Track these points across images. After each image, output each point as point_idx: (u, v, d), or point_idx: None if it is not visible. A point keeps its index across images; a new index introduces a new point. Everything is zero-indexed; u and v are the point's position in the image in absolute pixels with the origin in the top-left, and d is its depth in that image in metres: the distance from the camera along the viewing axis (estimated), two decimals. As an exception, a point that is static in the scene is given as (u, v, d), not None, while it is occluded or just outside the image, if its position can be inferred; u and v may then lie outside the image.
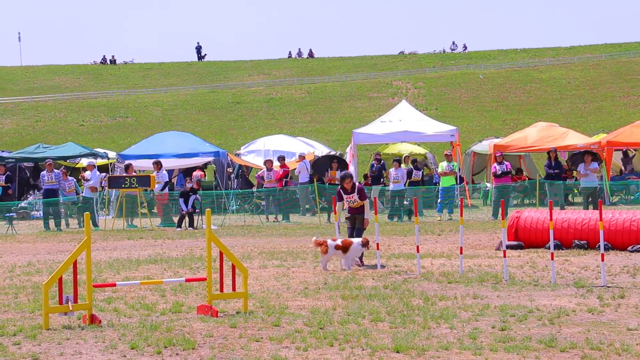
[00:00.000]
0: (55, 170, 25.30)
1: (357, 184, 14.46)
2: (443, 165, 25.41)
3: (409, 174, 26.05)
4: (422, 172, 27.56)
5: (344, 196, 14.17)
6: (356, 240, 13.48)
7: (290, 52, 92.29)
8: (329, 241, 13.43)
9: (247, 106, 66.20)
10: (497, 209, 23.32)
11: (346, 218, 14.40)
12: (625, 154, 32.11)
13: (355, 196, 14.11)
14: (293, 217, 25.76)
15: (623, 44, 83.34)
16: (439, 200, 25.00)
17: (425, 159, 34.10)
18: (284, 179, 26.52)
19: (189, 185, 24.22)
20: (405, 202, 24.83)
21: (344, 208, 14.28)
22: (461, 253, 12.58)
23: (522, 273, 12.39)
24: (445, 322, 8.79)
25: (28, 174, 31.71)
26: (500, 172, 24.54)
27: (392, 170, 25.38)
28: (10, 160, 29.80)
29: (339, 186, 14.38)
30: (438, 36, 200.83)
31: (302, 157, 28.40)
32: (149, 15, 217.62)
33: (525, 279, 11.80)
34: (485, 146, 32.58)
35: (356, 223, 14.20)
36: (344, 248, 13.36)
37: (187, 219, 23.31)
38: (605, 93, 63.73)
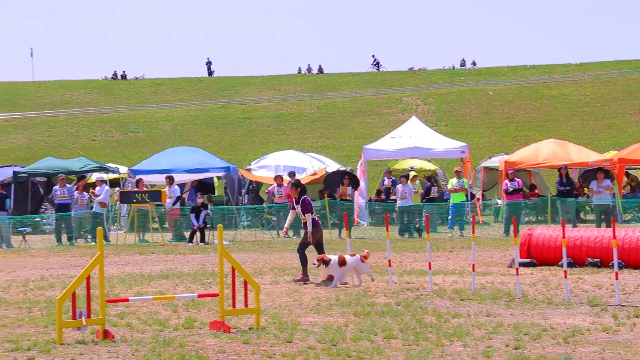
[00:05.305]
0: (68, 185, 25.36)
1: (304, 197, 14.14)
2: (453, 182, 25.38)
3: (427, 191, 26.02)
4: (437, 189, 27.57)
5: (295, 206, 14.19)
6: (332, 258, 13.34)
7: (299, 67, 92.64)
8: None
9: (257, 121, 66.36)
10: (508, 225, 23.27)
11: None
12: (626, 174, 31.95)
13: (299, 208, 14.06)
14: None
15: (633, 61, 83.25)
16: (449, 217, 24.96)
17: (435, 174, 34.07)
18: (295, 195, 26.48)
19: (199, 200, 24.26)
20: (416, 219, 24.76)
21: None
22: (473, 270, 12.55)
23: (535, 291, 12.33)
24: (459, 339, 8.76)
25: (41, 189, 31.79)
26: (511, 189, 24.49)
27: (399, 186, 25.36)
28: (23, 175, 29.90)
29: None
30: (447, 52, 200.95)
31: None
32: (159, 31, 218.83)
33: (538, 296, 11.74)
34: (495, 162, 32.53)
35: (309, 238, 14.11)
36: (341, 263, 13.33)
37: (198, 234, 23.33)
38: (616, 110, 63.62)
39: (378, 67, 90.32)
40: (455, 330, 9.17)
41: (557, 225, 18.38)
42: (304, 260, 13.94)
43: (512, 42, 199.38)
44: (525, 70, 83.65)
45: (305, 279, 13.79)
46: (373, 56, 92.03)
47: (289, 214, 14.45)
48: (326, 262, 13.24)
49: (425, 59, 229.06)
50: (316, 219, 14.23)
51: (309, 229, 13.98)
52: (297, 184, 14.36)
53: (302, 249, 14.12)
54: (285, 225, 14.20)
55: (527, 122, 62.14)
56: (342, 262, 13.26)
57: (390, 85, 78.89)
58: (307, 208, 13.99)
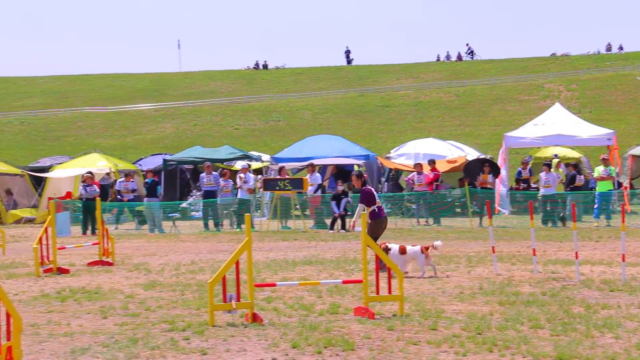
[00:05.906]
0: (214, 173, 26.21)
1: (365, 187, 14.26)
2: (600, 170, 24.57)
3: (572, 179, 25.32)
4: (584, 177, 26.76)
5: None
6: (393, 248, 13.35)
7: (438, 55, 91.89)
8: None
9: (395, 110, 66.27)
10: (659, 215, 22.31)
11: None
12: None
13: None
14: (444, 221, 25.59)
15: None
16: (595, 205, 24.18)
17: (579, 162, 33.05)
18: (435, 183, 26.39)
19: (340, 188, 24.54)
20: (559, 208, 24.13)
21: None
22: (623, 260, 12.15)
23: (691, 283, 11.82)
24: (610, 331, 8.54)
25: (188, 176, 33.04)
26: (663, 178, 23.47)
27: (542, 174, 24.77)
28: (172, 162, 31.14)
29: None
30: (592, 37, 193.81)
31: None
32: (300, 21, 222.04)
33: (694, 289, 11.25)
34: (644, 150, 31.22)
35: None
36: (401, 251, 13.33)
37: (339, 221, 23.61)
38: None
39: (472, 55, 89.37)
40: (605, 322, 8.94)
41: None
42: None
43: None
44: (677, 53, 79.65)
45: None
46: (467, 44, 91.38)
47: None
48: (386, 251, 13.24)
49: (568, 45, 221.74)
50: (376, 210, 14.19)
51: (354, 217, 14.21)
52: (359, 175, 14.45)
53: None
54: (353, 219, 14.28)
55: (679, 108, 59.21)
56: (402, 252, 13.30)
57: (532, 72, 76.95)
58: (363, 198, 14.14)
